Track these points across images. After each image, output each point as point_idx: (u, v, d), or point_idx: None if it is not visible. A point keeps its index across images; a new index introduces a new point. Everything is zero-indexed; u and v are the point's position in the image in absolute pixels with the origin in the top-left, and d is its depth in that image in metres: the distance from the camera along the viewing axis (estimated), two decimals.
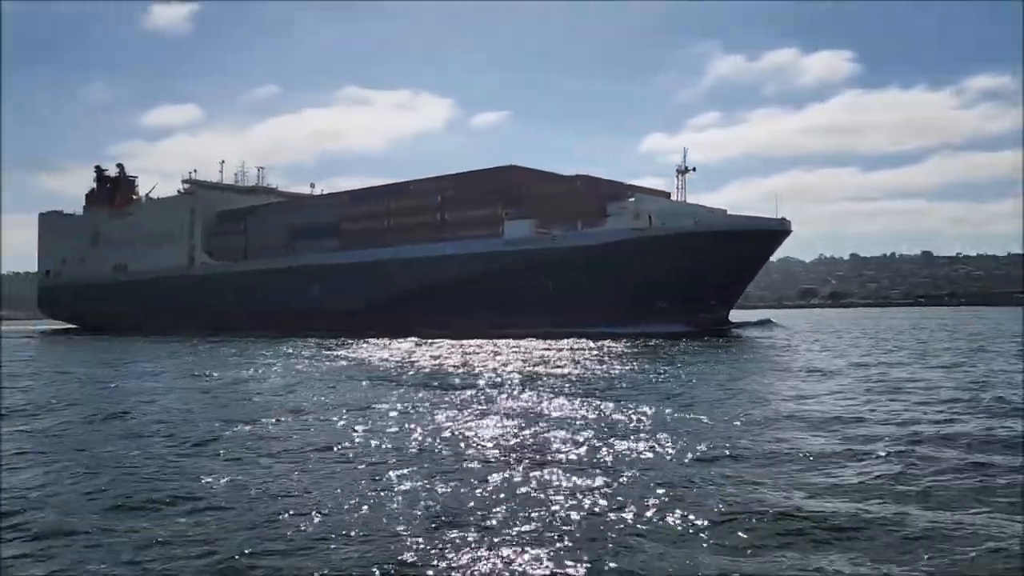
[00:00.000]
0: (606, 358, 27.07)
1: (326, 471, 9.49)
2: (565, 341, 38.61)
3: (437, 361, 26.89)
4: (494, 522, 7.15)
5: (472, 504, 7.78)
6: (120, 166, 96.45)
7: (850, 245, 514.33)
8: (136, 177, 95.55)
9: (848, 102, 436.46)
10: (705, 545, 6.54)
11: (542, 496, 8.00)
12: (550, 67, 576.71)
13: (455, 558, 6.23)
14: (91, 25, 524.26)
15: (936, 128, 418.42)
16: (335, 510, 7.67)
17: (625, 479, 8.71)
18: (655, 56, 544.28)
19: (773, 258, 57.68)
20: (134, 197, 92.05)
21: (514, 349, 32.86)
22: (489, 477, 8.80)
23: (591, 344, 35.79)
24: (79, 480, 9.30)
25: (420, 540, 6.65)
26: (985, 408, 13.73)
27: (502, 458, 9.89)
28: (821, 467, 9.29)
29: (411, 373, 22.36)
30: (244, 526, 7.23)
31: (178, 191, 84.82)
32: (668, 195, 58.93)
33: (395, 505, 7.83)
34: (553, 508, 7.57)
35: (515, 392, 16.86)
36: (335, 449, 10.82)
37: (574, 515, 7.35)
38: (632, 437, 11.17)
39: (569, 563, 6.09)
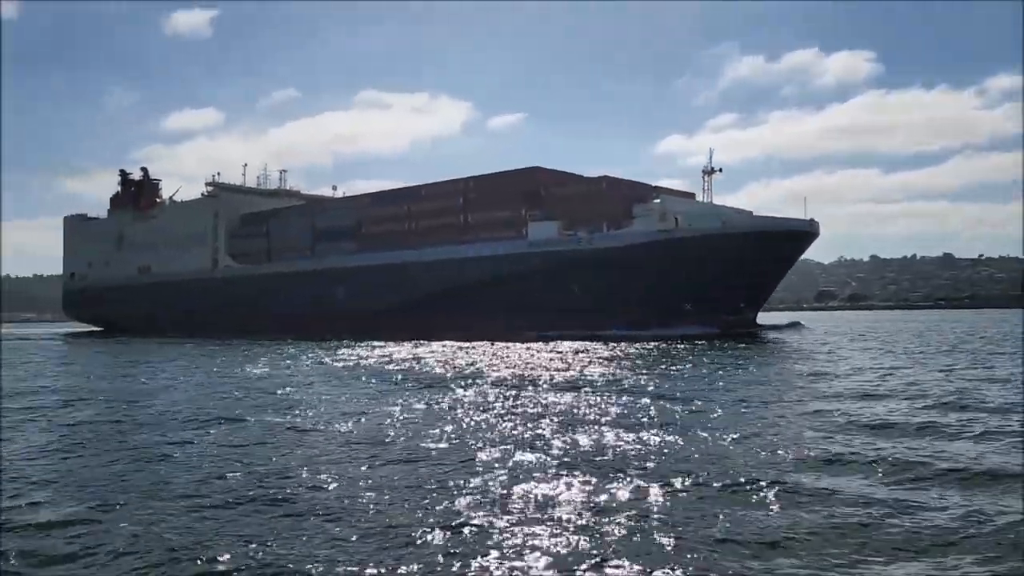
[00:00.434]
0: (650, 361, 26.79)
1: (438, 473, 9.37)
2: (592, 343, 38.36)
3: (465, 363, 26.76)
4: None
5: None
6: (144, 169, 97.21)
7: (870, 247, 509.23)
8: (160, 180, 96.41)
9: (869, 103, 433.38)
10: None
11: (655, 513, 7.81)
12: (566, 69, 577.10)
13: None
14: (113, 30, 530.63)
15: (958, 128, 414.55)
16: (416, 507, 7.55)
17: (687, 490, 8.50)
18: (672, 58, 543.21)
19: None
20: (158, 200, 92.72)
21: (544, 352, 32.65)
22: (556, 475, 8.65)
23: (638, 346, 35.50)
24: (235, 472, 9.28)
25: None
26: None
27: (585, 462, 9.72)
28: None
29: (451, 375, 22.24)
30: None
31: (201, 194, 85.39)
32: (693, 196, 58.53)
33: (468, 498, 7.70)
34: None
35: (562, 397, 16.67)
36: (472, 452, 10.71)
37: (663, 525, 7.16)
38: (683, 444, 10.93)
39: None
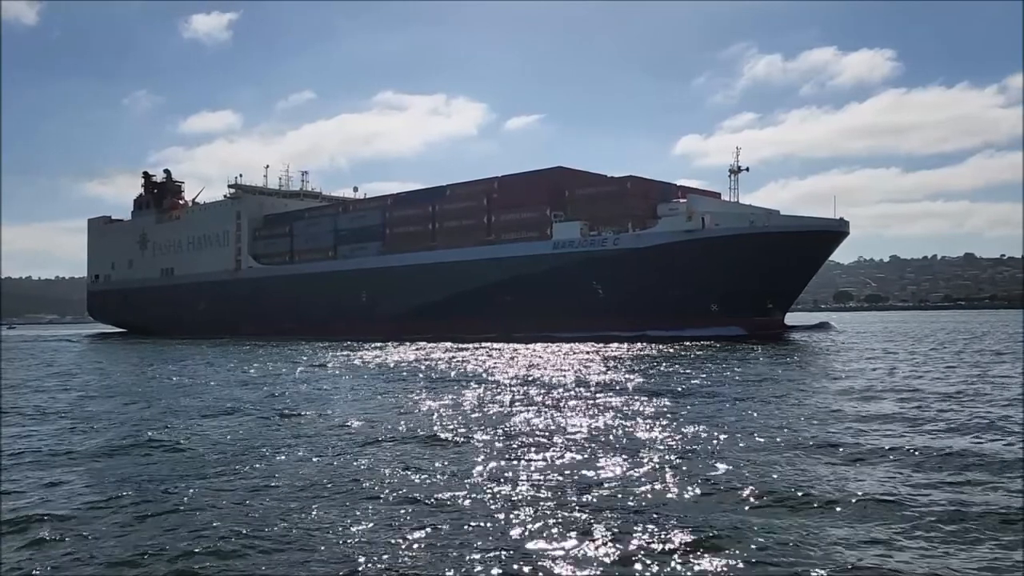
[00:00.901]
0: (685, 363, 26.62)
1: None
2: (617, 345, 38.21)
3: (491, 362, 26.73)
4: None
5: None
6: (167, 171, 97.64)
7: (891, 247, 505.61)
8: (183, 182, 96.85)
9: (889, 102, 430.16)
10: None
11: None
12: (582, 70, 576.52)
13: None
14: (131, 33, 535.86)
15: (979, 127, 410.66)
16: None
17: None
18: (689, 58, 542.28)
19: None
20: (180, 202, 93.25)
21: (574, 353, 32.55)
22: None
23: (663, 348, 35.33)
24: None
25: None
26: None
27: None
28: None
29: (507, 376, 22.20)
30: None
31: (224, 195, 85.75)
32: (719, 195, 58.13)
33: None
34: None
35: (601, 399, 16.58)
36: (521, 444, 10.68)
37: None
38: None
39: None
